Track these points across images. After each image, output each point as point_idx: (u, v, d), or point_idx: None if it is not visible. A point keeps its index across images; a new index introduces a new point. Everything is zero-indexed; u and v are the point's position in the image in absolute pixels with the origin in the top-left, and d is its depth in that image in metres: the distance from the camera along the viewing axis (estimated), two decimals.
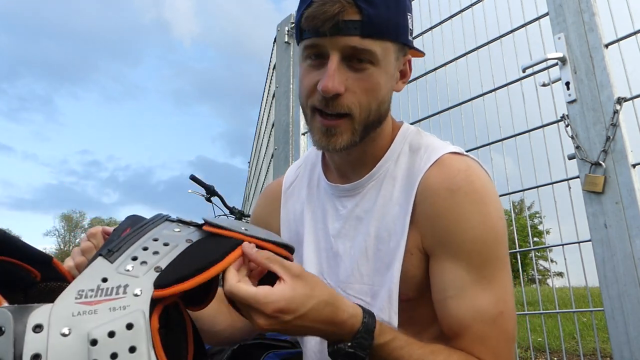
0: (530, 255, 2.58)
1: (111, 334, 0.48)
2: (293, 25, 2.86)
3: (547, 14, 1.72)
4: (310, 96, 0.80)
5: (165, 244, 0.60)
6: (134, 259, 0.57)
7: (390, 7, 0.77)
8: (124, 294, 0.52)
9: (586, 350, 3.68)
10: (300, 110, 2.72)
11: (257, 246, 0.63)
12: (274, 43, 3.22)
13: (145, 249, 0.59)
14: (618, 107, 1.47)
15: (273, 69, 3.30)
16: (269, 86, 3.57)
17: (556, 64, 1.65)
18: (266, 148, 3.71)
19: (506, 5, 1.88)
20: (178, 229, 0.65)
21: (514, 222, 2.03)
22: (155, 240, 0.61)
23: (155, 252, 0.58)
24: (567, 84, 1.60)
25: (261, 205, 1.10)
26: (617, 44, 1.55)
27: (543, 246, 2.04)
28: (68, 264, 0.75)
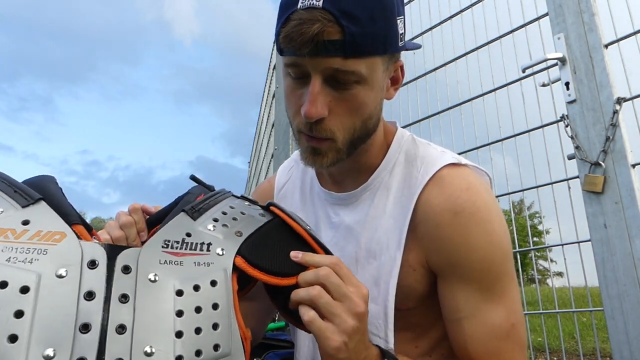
0: (530, 255, 2.58)
1: (196, 288, 0.50)
2: None
3: (546, 14, 1.72)
4: (295, 118, 0.78)
5: (242, 213, 0.62)
6: (215, 220, 0.58)
7: (376, 19, 0.70)
8: (207, 251, 0.54)
9: (586, 350, 3.68)
10: None
11: (312, 249, 0.64)
12: (274, 43, 3.22)
13: (224, 213, 0.60)
14: (618, 107, 1.48)
15: (273, 69, 3.30)
16: (269, 86, 3.57)
17: (556, 64, 1.65)
18: (266, 148, 3.71)
19: (506, 6, 1.89)
20: (247, 203, 0.67)
21: (513, 222, 2.03)
22: (232, 207, 0.63)
23: (234, 219, 0.60)
24: (567, 84, 1.60)
25: None
26: (617, 44, 1.55)
27: (543, 246, 2.04)
28: (104, 236, 0.72)
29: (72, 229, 0.50)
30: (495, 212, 0.79)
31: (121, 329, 0.45)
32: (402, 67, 0.84)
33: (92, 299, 0.45)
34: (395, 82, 0.84)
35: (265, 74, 3.75)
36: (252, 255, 0.56)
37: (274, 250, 0.59)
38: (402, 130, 0.92)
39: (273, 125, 3.10)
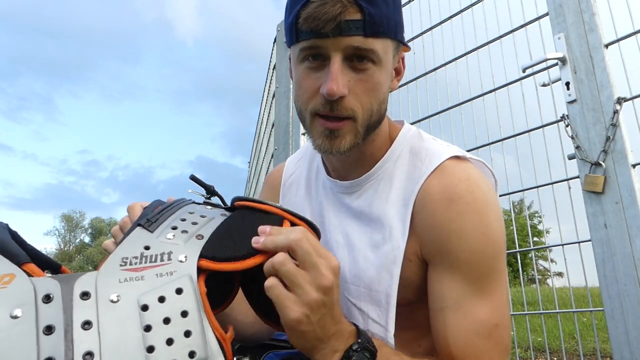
0: (530, 255, 2.59)
1: (161, 299, 0.49)
2: None
3: (547, 14, 1.72)
4: (311, 100, 0.78)
5: (203, 216, 0.61)
6: (174, 228, 0.57)
7: (389, 4, 0.76)
8: (168, 260, 0.52)
9: (586, 350, 3.68)
10: None
11: (292, 223, 0.62)
12: (274, 43, 3.22)
13: (183, 219, 0.59)
14: (618, 107, 1.48)
15: (273, 69, 3.30)
16: (269, 86, 3.58)
17: (556, 64, 1.65)
18: (266, 148, 3.72)
19: (506, 5, 1.89)
20: (210, 207, 0.66)
21: (514, 222, 2.03)
22: (192, 213, 0.62)
23: (194, 223, 0.59)
24: (567, 84, 1.60)
25: (265, 194, 1.10)
26: (617, 44, 1.55)
27: (543, 246, 2.04)
28: (109, 246, 0.77)
29: (21, 269, 0.49)
30: (493, 207, 0.79)
31: (89, 356, 0.44)
32: (403, 60, 0.88)
33: (52, 333, 0.45)
34: (398, 73, 0.87)
35: (265, 74, 3.75)
36: (214, 253, 0.55)
37: (236, 238, 0.58)
38: (409, 125, 0.93)
39: (273, 125, 3.10)
